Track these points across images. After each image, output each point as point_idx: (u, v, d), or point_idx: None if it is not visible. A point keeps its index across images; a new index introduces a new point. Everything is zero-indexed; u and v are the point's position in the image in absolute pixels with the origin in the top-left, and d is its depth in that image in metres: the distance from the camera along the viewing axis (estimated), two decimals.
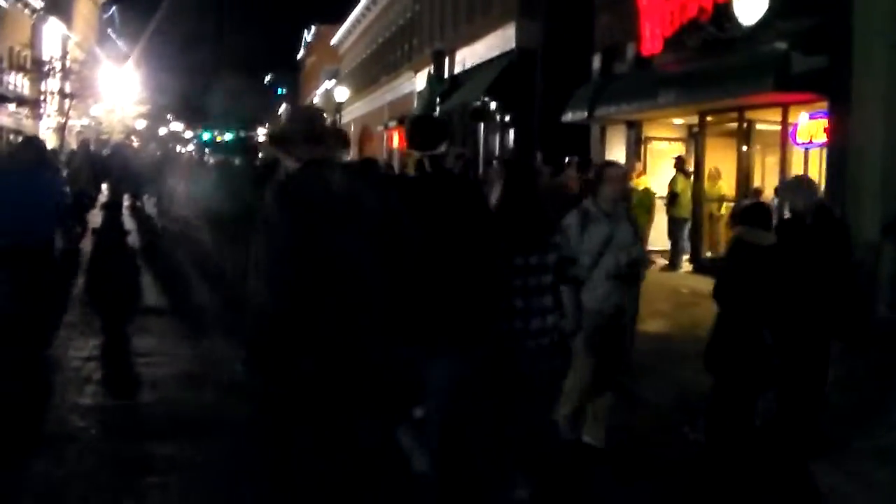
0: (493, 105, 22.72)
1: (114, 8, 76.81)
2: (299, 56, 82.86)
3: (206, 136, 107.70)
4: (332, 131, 4.39)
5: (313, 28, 70.90)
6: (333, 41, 55.54)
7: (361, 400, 3.81)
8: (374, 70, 42.67)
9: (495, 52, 23.27)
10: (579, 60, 19.05)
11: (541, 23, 21.30)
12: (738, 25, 12.60)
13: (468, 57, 25.91)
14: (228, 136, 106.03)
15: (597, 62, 17.83)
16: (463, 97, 24.14)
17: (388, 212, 3.98)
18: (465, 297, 4.40)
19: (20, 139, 13.99)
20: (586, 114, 16.52)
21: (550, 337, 4.98)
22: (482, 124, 24.63)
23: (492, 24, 23.52)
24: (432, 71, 27.42)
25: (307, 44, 76.37)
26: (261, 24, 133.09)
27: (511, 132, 22.74)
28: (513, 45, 21.94)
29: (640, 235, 5.99)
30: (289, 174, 4.07)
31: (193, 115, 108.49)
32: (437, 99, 26.69)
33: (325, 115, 4.49)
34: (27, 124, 45.22)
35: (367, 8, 43.32)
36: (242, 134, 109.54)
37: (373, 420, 3.93)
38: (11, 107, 40.33)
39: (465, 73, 25.80)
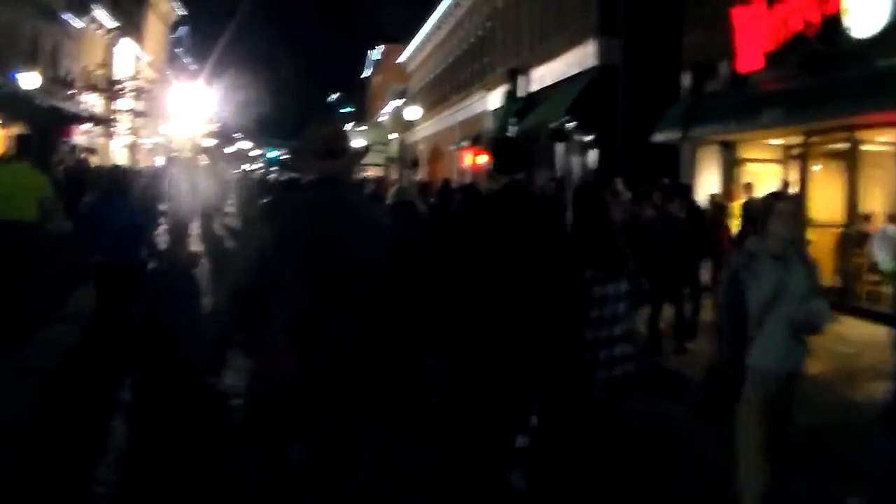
0: (572, 124, 21.99)
1: (183, 29, 77.74)
2: (365, 75, 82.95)
3: (272, 154, 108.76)
4: (351, 151, 4.30)
5: (380, 47, 70.88)
6: (401, 60, 55.31)
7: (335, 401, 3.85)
8: (444, 89, 42.23)
9: (574, 70, 22.60)
10: (664, 78, 18.36)
11: (622, 39, 20.62)
12: (850, 39, 11.79)
13: (545, 75, 25.26)
14: None
15: (686, 80, 17.07)
16: (541, 116, 23.47)
17: (382, 231, 4.05)
18: (531, 322, 4.33)
19: (109, 166, 14.12)
20: (679, 134, 15.77)
21: (623, 368, 4.91)
22: (560, 144, 23.90)
23: (570, 42, 22.87)
24: (507, 90, 26.80)
25: (374, 63, 76.38)
26: (327, 44, 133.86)
27: (592, 153, 21.99)
28: (593, 62, 21.24)
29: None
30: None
31: (260, 133, 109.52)
32: (513, 118, 26.04)
33: (342, 133, 4.37)
34: (100, 143, 45.57)
35: (437, 27, 42.94)
36: None
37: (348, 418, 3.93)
38: (85, 126, 40.58)
39: (542, 91, 25.15)
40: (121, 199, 8.57)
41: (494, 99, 30.69)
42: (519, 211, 4.51)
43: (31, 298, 9.25)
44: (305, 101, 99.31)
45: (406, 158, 51.33)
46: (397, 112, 56.97)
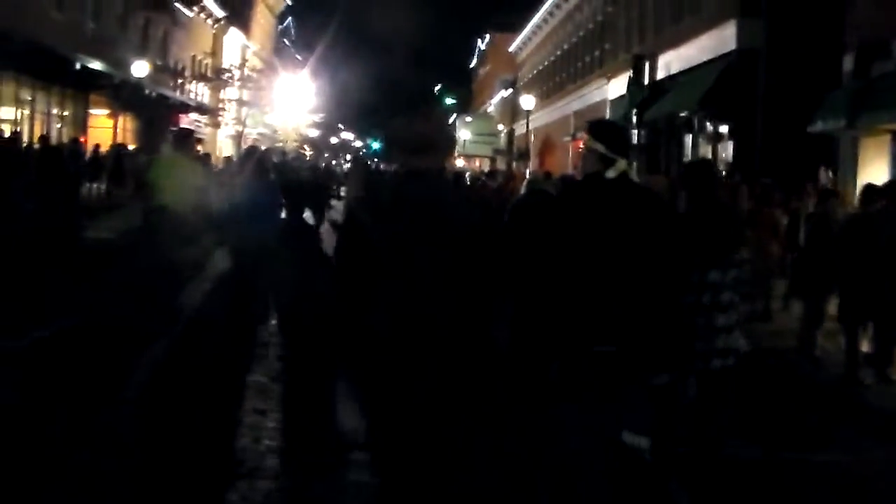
0: (705, 113, 20.32)
1: (290, 19, 77.87)
2: (472, 65, 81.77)
3: (375, 145, 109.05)
4: (441, 143, 4.29)
5: (488, 36, 69.58)
6: (511, 48, 53.85)
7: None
8: (558, 78, 40.63)
9: (708, 55, 20.86)
10: (817, 61, 16.61)
11: (764, 20, 18.85)
12: None
13: (672, 61, 23.55)
14: None
15: (849, 63, 15.25)
16: (670, 105, 21.81)
17: (469, 226, 4.03)
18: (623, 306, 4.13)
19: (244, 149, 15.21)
20: (843, 122, 14.01)
21: (722, 361, 4.73)
22: (690, 135, 22.23)
23: (705, 24, 21.12)
24: (630, 77, 25.16)
25: (481, 52, 75.12)
26: (432, 34, 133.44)
27: (726, 145, 20.28)
28: (732, 45, 19.49)
29: None
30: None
31: (364, 124, 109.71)
32: (636, 108, 24.38)
33: (431, 128, 4.34)
34: (207, 132, 45.44)
35: (550, 13, 41.38)
36: None
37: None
38: (193, 115, 40.38)
39: (670, 78, 23.44)
40: (262, 180, 9.15)
41: (615, 87, 29.04)
42: (616, 199, 4.25)
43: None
44: (409, 92, 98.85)
45: (515, 150, 49.98)
46: (505, 102, 55.61)
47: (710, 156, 20.95)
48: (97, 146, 25.91)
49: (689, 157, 22.64)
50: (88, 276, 12.25)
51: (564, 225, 4.30)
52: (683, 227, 4.51)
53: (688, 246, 4.50)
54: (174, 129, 37.64)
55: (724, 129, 20.56)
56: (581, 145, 4.65)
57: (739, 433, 5.85)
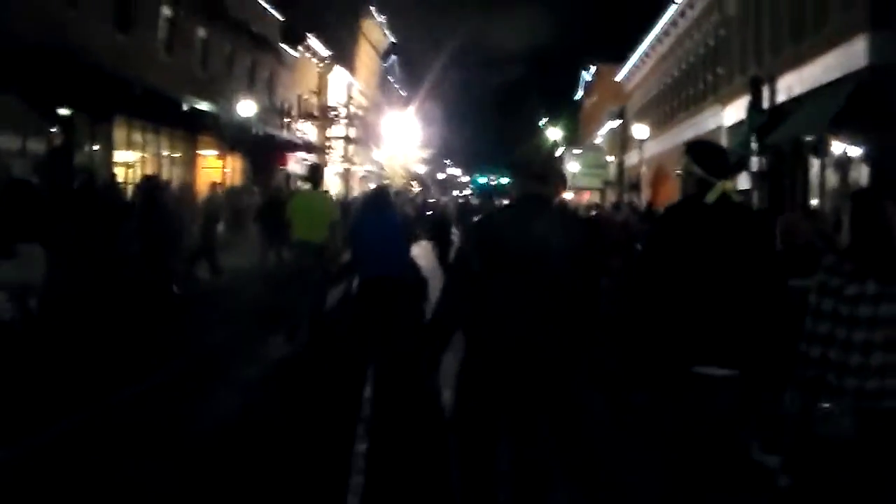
0: (835, 136, 19.04)
1: (394, 57, 78.42)
2: (578, 97, 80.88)
3: (480, 180, 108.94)
4: (554, 172, 4.79)
5: (593, 68, 68.67)
6: (618, 78, 52.84)
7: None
8: (668, 106, 39.45)
9: (834, 74, 19.61)
10: None
11: None
12: None
13: (793, 84, 22.30)
14: (505, 181, 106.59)
15: None
16: (795, 129, 20.55)
17: (575, 247, 4.43)
18: (725, 327, 4.19)
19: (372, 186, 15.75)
20: None
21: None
22: (817, 160, 20.93)
23: (829, 42, 19.89)
24: (749, 102, 23.98)
25: (586, 84, 74.21)
26: (536, 68, 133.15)
27: (859, 169, 18.96)
28: (862, 62, 18.23)
29: None
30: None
31: (470, 159, 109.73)
32: (755, 133, 23.17)
33: (549, 158, 5.20)
34: None
35: (659, 40, 40.30)
36: None
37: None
38: (300, 153, 40.57)
39: (792, 101, 22.19)
40: (387, 217, 9.40)
41: (731, 113, 27.83)
42: (715, 219, 4.35)
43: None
44: (514, 127, 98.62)
45: (626, 181, 48.86)
46: (614, 133, 54.57)
47: (839, 181, 19.68)
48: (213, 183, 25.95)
49: (816, 184, 21.37)
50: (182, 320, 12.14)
51: (664, 250, 4.36)
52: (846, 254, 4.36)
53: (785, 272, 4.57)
54: (281, 168, 37.89)
55: (854, 152, 19.24)
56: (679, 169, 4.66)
57: None
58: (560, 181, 4.92)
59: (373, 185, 16.02)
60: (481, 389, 4.41)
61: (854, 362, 4.15)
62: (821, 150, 19.88)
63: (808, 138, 19.86)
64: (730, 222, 4.32)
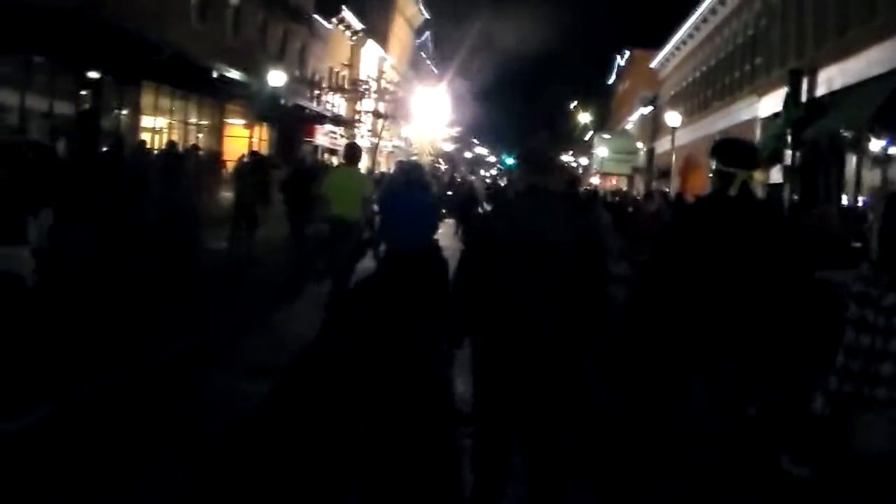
0: (875, 132, 18.55)
1: (427, 33, 77.88)
2: (610, 81, 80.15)
3: (509, 160, 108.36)
4: (556, 164, 4.82)
5: (627, 52, 67.94)
6: (653, 64, 52.18)
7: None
8: (702, 95, 38.84)
9: (879, 69, 19.10)
10: None
11: None
12: None
13: (834, 77, 21.78)
14: None
15: None
16: (833, 124, 20.07)
17: (580, 238, 4.42)
18: (737, 322, 4.19)
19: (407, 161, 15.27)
20: None
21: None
22: (854, 157, 20.46)
23: (874, 35, 19.37)
24: (787, 94, 23.48)
25: (619, 69, 73.49)
26: (568, 51, 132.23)
27: None
28: None
29: None
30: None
31: (498, 139, 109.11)
32: (792, 126, 22.68)
33: (546, 147, 4.87)
34: (341, 144, 45.43)
35: (697, 27, 39.65)
36: None
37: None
38: (328, 126, 40.33)
39: (832, 94, 21.69)
40: (420, 193, 9.40)
41: (767, 105, 27.28)
42: (734, 212, 4.38)
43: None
44: (544, 109, 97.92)
45: (656, 168, 48.33)
46: (645, 120, 53.97)
47: (878, 179, 19.23)
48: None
49: (853, 181, 20.91)
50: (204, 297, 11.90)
51: (684, 244, 4.38)
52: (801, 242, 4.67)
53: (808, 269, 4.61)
54: (308, 139, 37.66)
55: (894, 150, 18.78)
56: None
57: None
58: (564, 172, 5.32)
59: (402, 161, 15.72)
60: (494, 380, 4.44)
61: (886, 372, 3.96)
62: (859, 146, 19.42)
63: (847, 134, 19.37)
64: (748, 218, 4.32)
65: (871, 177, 19.84)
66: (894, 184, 18.52)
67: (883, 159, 19.20)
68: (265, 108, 28.10)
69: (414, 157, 49.58)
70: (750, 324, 4.16)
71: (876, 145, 19.19)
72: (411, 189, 9.40)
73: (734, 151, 4.54)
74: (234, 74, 23.78)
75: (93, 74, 19.50)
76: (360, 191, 11.09)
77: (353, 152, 12.03)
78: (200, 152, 24.18)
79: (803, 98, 23.21)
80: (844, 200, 20.99)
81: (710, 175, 4.59)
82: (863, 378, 3.98)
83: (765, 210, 4.60)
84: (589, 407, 5.87)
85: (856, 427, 4.02)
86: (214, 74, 22.04)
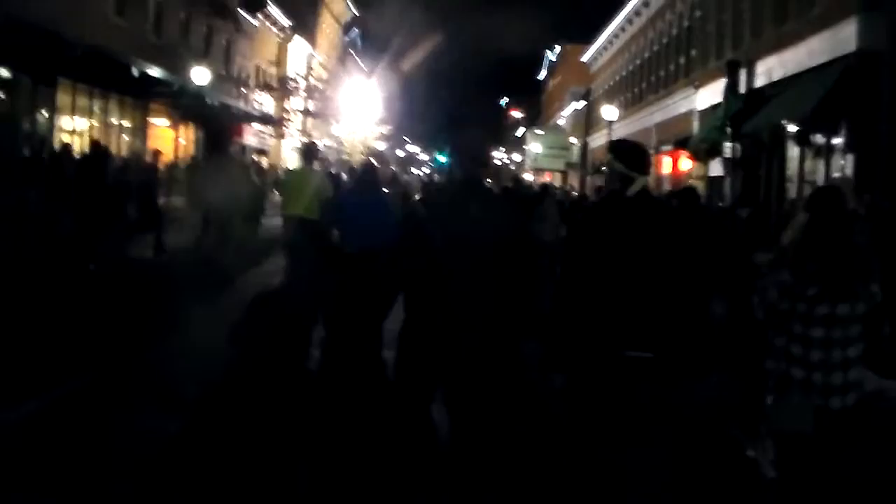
0: (818, 124, 18.24)
1: (356, 31, 76.93)
2: (541, 77, 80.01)
3: (442, 158, 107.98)
4: (490, 158, 3.05)
5: (558, 48, 67.76)
6: (585, 58, 51.95)
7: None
8: (637, 88, 38.57)
9: (820, 59, 18.82)
10: None
11: (889, 16, 16.77)
12: None
13: (774, 68, 21.51)
14: None
15: None
16: (775, 116, 19.72)
17: (514, 232, 4.89)
18: (642, 313, 4.45)
19: (365, 161, 15.23)
20: None
21: (842, 400, 4.41)
22: (797, 149, 20.16)
23: (816, 24, 19.09)
24: (727, 85, 23.16)
25: (550, 64, 73.32)
26: (498, 47, 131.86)
27: (844, 158, 18.23)
28: (851, 46, 17.45)
29: None
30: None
31: (430, 137, 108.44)
32: (729, 120, 22.33)
33: (478, 142, 5.20)
34: (271, 144, 44.29)
35: (629, 20, 39.39)
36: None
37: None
38: (257, 126, 39.21)
39: (772, 86, 21.40)
40: (373, 193, 9.29)
41: (704, 97, 27.02)
42: (631, 215, 4.63)
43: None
44: (476, 106, 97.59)
45: (590, 164, 48.12)
46: (578, 114, 53.77)
47: (821, 171, 18.93)
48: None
49: (796, 173, 20.64)
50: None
51: (588, 240, 4.64)
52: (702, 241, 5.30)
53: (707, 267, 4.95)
54: (236, 140, 36.55)
55: (836, 141, 18.50)
56: (606, 163, 4.88)
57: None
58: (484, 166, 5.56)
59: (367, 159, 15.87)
60: (421, 354, 4.80)
61: (815, 358, 4.37)
62: (802, 137, 19.11)
63: (789, 125, 19.03)
64: (648, 216, 4.58)
65: (815, 168, 19.58)
66: (843, 175, 18.29)
67: (826, 151, 18.94)
68: (190, 108, 27.03)
69: (345, 157, 48.66)
70: (649, 313, 4.40)
71: (820, 137, 18.92)
72: (366, 190, 9.36)
73: (638, 158, 4.76)
74: (155, 72, 22.64)
75: (3, 73, 18.31)
76: (319, 191, 11.13)
77: (310, 151, 12.15)
78: (121, 154, 23.05)
79: (742, 89, 22.95)
80: (789, 193, 20.77)
81: (607, 172, 4.85)
82: (789, 359, 4.42)
83: (662, 209, 4.95)
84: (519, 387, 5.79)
85: (775, 408, 4.48)
86: (135, 72, 20.89)
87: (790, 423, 4.37)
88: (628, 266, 4.43)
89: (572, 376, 4.64)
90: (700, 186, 25.60)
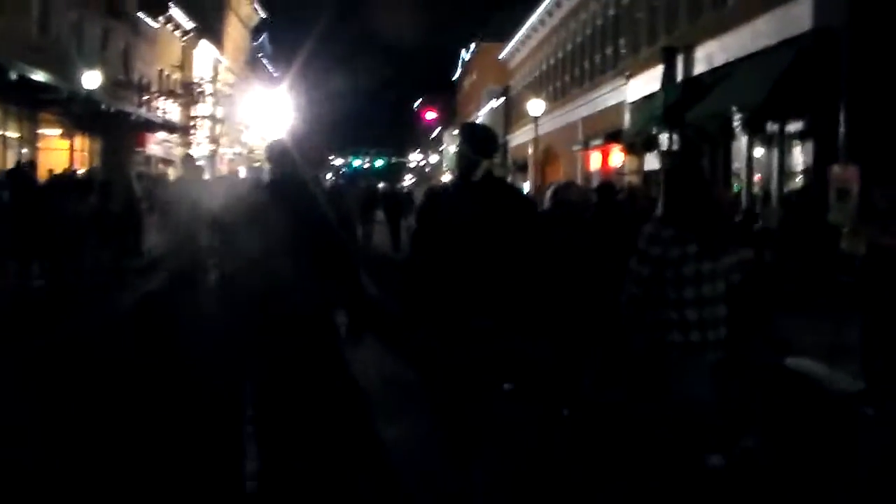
0: (774, 110, 16.88)
1: (265, 34, 74.61)
2: (455, 76, 78.56)
3: (356, 162, 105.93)
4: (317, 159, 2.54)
5: (473, 46, 66.32)
6: (502, 56, 50.51)
7: None
8: (560, 82, 37.15)
9: (766, 41, 17.51)
10: None
11: None
12: None
13: (715, 53, 20.19)
14: (380, 163, 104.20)
15: None
16: (722, 103, 18.30)
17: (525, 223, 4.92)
18: (477, 282, 4.70)
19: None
20: None
21: (715, 355, 5.04)
22: (745, 138, 18.84)
23: (761, 4, 17.78)
24: (663, 74, 21.80)
25: (465, 62, 71.87)
26: (411, 49, 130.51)
27: (802, 146, 16.92)
28: (805, 25, 16.15)
29: None
30: None
31: (343, 141, 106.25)
32: (664, 110, 20.94)
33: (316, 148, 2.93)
34: (177, 153, 41.81)
35: (549, 13, 37.95)
36: (394, 160, 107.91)
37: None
38: (161, 135, 36.74)
39: (713, 72, 20.06)
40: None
41: (636, 87, 25.69)
42: (479, 194, 4.85)
43: None
44: (390, 108, 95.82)
45: (511, 162, 46.75)
46: (496, 112, 52.38)
47: (777, 160, 17.61)
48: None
49: (744, 164, 19.34)
50: None
51: (434, 221, 4.93)
52: (544, 220, 6.19)
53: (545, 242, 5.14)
54: (139, 150, 34.10)
55: (792, 127, 17.21)
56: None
57: None
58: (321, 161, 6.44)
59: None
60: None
61: (692, 317, 4.92)
62: (754, 126, 17.74)
63: (740, 113, 17.64)
64: (488, 198, 4.79)
65: (767, 158, 18.28)
66: (806, 165, 17.01)
67: (780, 138, 17.62)
68: (83, 115, 24.62)
69: (256, 164, 46.42)
70: (491, 284, 4.65)
71: (772, 125, 17.59)
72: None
73: (484, 143, 4.95)
74: (39, 77, 20.29)
75: None
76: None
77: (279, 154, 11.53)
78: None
79: (680, 77, 21.62)
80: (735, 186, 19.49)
81: (458, 157, 4.94)
82: (671, 325, 4.96)
83: (506, 188, 5.18)
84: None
85: (672, 371, 4.96)
86: (13, 76, 18.55)
87: (689, 387, 4.85)
88: (468, 245, 4.67)
89: (427, 336, 4.84)
90: (636, 181, 24.29)
